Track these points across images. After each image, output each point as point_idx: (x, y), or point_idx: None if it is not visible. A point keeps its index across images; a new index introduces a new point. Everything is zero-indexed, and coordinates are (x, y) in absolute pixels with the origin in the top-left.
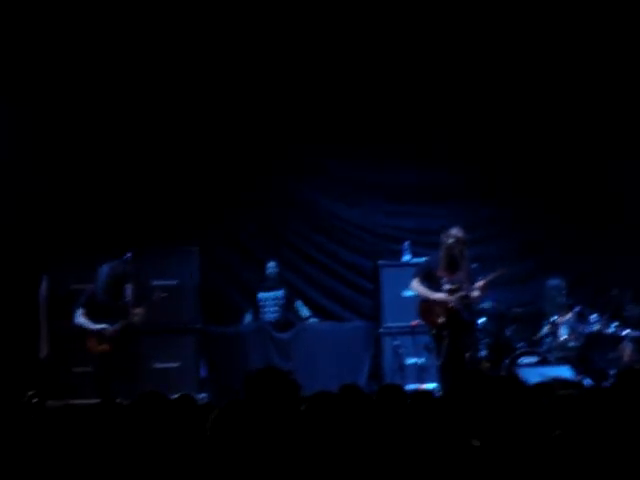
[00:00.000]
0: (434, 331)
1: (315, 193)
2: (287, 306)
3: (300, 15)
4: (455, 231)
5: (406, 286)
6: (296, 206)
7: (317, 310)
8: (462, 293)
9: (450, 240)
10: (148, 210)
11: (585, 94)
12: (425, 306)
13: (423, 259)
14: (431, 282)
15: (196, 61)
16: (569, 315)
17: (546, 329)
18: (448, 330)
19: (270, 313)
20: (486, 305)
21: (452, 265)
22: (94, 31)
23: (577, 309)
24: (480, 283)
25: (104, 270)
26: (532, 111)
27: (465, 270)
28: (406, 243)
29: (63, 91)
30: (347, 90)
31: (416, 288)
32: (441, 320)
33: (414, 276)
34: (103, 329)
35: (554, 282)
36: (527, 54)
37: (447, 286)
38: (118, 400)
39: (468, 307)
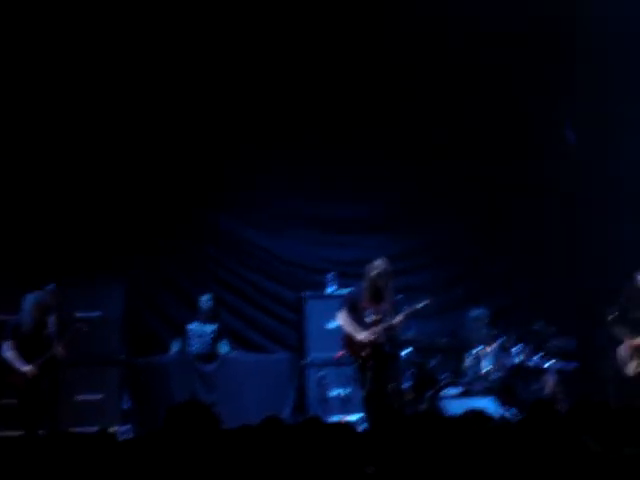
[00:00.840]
0: (358, 362)
1: (239, 223)
2: (216, 340)
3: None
4: (379, 262)
5: (331, 317)
6: (221, 237)
7: (242, 341)
8: (384, 325)
9: (373, 272)
10: (72, 240)
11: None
12: (349, 338)
13: (348, 290)
14: (356, 313)
15: (125, 85)
16: (493, 346)
17: (469, 360)
18: (371, 362)
19: (197, 345)
20: (409, 335)
21: (376, 296)
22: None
23: (500, 340)
24: (402, 314)
25: (29, 300)
26: (458, 142)
27: (389, 301)
28: (331, 274)
29: None
30: (276, 119)
31: (342, 322)
32: (364, 352)
33: (340, 308)
34: (26, 371)
35: (476, 312)
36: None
37: (371, 317)
38: (40, 432)
39: (391, 339)
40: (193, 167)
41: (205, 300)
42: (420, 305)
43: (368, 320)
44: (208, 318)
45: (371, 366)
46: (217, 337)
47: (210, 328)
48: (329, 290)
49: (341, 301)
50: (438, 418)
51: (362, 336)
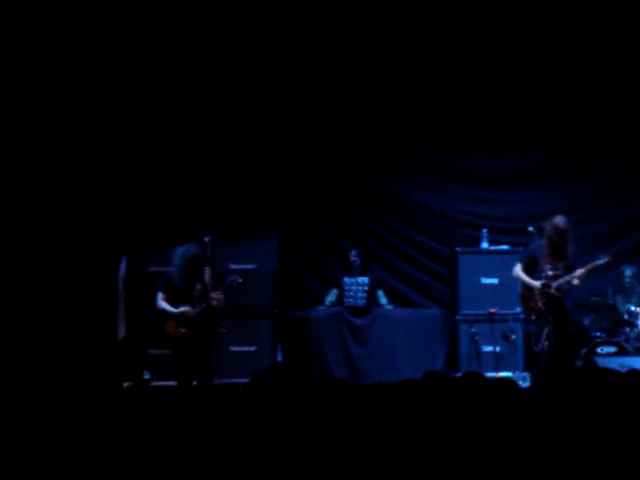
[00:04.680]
0: (533, 317)
1: (394, 179)
2: (370, 293)
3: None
4: (557, 219)
5: (484, 273)
6: (374, 192)
7: (394, 296)
8: (562, 280)
9: (551, 228)
10: (229, 194)
11: None
12: (526, 292)
13: (501, 246)
14: (534, 268)
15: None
16: None
17: (624, 318)
18: (550, 316)
19: (353, 298)
20: None
21: (556, 252)
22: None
23: None
24: (580, 271)
25: (179, 253)
26: (616, 83)
27: (569, 258)
28: (484, 230)
29: (134, 84)
30: (427, 76)
31: (518, 274)
32: (542, 306)
33: (518, 261)
34: (182, 312)
35: (628, 270)
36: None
37: (549, 272)
38: (194, 383)
39: (567, 294)
40: (353, 123)
41: (353, 254)
42: (600, 262)
43: (546, 275)
44: (359, 271)
45: (549, 321)
46: (371, 290)
47: (363, 281)
48: (482, 246)
49: (520, 254)
50: (607, 375)
51: (538, 285)
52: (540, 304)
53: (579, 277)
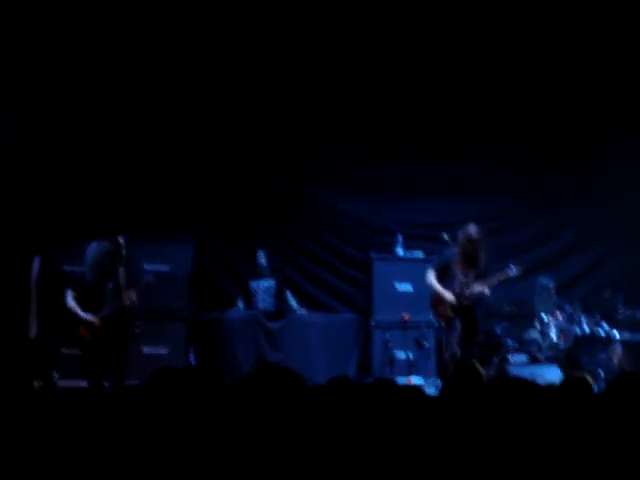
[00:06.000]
0: (443, 323)
1: (310, 183)
2: (278, 295)
3: (310, 14)
4: (470, 229)
5: (398, 279)
6: (290, 196)
7: (308, 300)
8: (472, 289)
9: (463, 237)
10: (144, 195)
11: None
12: (437, 298)
13: (417, 253)
14: (446, 275)
15: (205, 58)
16: (560, 315)
17: (536, 328)
18: (459, 324)
19: (262, 301)
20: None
21: (467, 261)
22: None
23: (568, 309)
24: (490, 280)
25: (91, 250)
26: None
27: (481, 266)
28: (399, 236)
29: (62, 81)
30: (348, 83)
31: (430, 281)
32: (452, 313)
33: (431, 268)
34: (91, 321)
35: (543, 281)
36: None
37: (461, 280)
38: (105, 383)
39: (478, 303)
40: (267, 126)
41: (261, 256)
42: (511, 271)
43: (457, 282)
44: (266, 273)
45: (458, 327)
46: (278, 292)
47: (270, 283)
48: (397, 252)
49: (433, 261)
50: (516, 384)
51: (450, 296)
52: (449, 311)
53: (489, 286)
